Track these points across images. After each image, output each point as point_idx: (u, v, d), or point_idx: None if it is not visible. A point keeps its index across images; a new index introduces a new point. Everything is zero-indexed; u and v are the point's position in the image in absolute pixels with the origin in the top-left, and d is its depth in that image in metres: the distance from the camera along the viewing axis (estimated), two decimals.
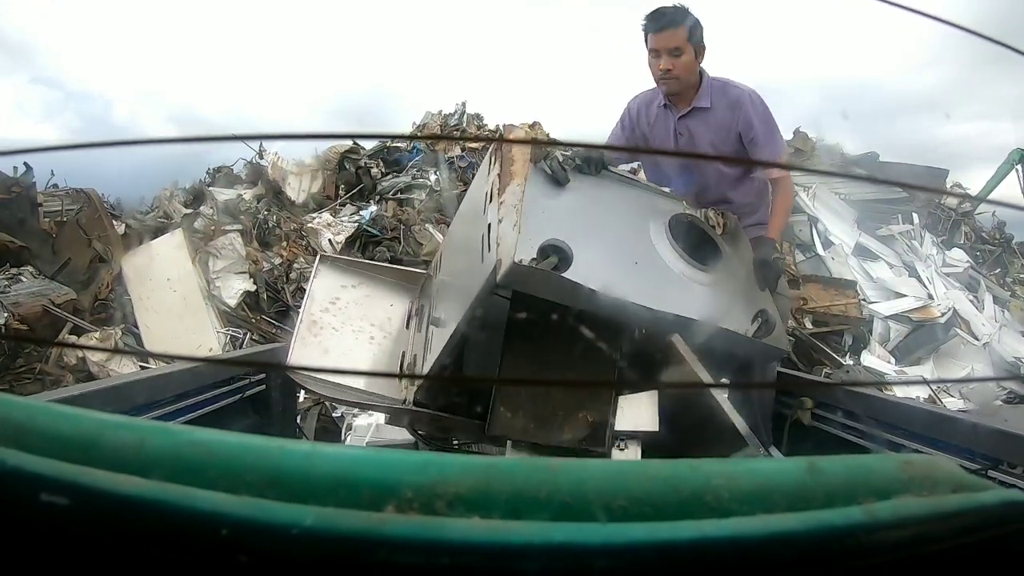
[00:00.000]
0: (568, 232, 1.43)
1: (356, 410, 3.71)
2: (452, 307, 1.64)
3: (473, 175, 5.35)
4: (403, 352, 2.04)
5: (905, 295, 7.82)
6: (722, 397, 1.44)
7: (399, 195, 7.99)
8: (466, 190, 2.38)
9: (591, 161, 1.76)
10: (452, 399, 1.79)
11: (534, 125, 2.08)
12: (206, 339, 6.08)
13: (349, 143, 8.10)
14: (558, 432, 1.49)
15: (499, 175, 1.48)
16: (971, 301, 8.16)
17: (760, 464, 0.37)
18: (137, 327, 6.15)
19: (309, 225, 7.41)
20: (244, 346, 6.01)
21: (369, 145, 8.48)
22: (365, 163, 8.23)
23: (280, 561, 0.29)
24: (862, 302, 7.45)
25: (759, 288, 1.77)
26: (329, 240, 7.12)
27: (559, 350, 1.49)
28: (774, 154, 2.06)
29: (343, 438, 3.79)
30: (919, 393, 5.47)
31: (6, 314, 5.47)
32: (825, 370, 6.50)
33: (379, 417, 3.10)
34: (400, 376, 2.04)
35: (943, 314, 7.55)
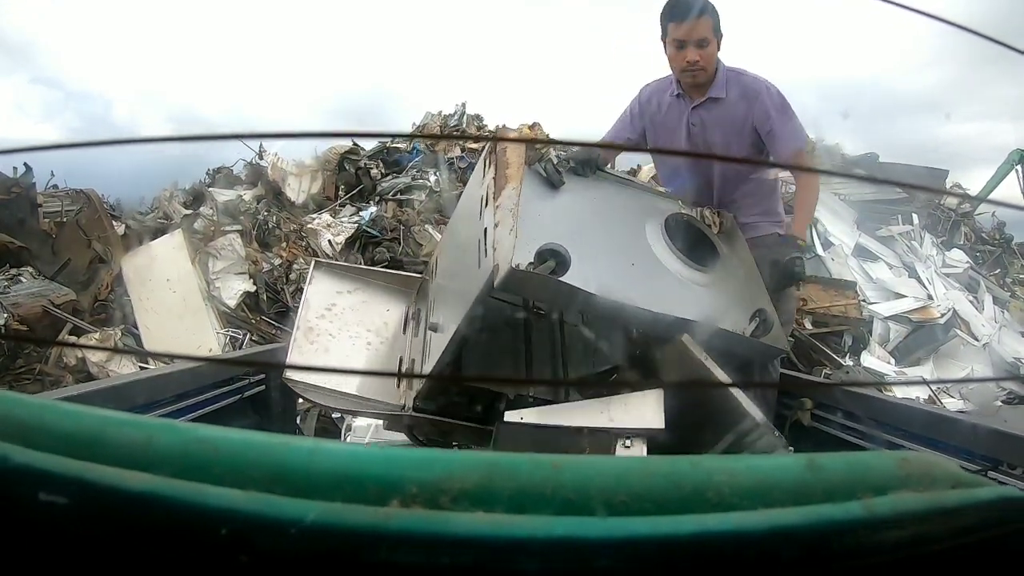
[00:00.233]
0: (564, 235, 1.43)
1: None
2: (450, 312, 1.64)
3: None
4: (400, 357, 2.04)
5: (905, 296, 7.81)
6: (735, 389, 1.43)
7: (399, 196, 7.98)
8: None
9: (585, 163, 1.76)
10: (452, 400, 1.79)
11: (534, 126, 2.09)
12: (206, 340, 6.08)
13: (349, 144, 8.09)
14: None
15: (494, 178, 1.48)
16: (971, 302, 8.15)
17: (760, 460, 0.37)
18: (137, 328, 6.13)
19: (309, 226, 7.39)
20: (244, 347, 5.99)
21: (369, 146, 8.47)
22: (365, 164, 8.21)
23: (286, 556, 0.30)
24: (862, 303, 7.44)
25: (771, 290, 1.75)
26: (329, 241, 7.10)
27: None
28: (793, 146, 1.99)
29: (343, 439, 3.78)
30: (919, 394, 5.47)
31: (6, 315, 5.46)
32: (825, 371, 6.49)
33: None
34: (399, 376, 2.03)
35: (943, 315, 7.54)
